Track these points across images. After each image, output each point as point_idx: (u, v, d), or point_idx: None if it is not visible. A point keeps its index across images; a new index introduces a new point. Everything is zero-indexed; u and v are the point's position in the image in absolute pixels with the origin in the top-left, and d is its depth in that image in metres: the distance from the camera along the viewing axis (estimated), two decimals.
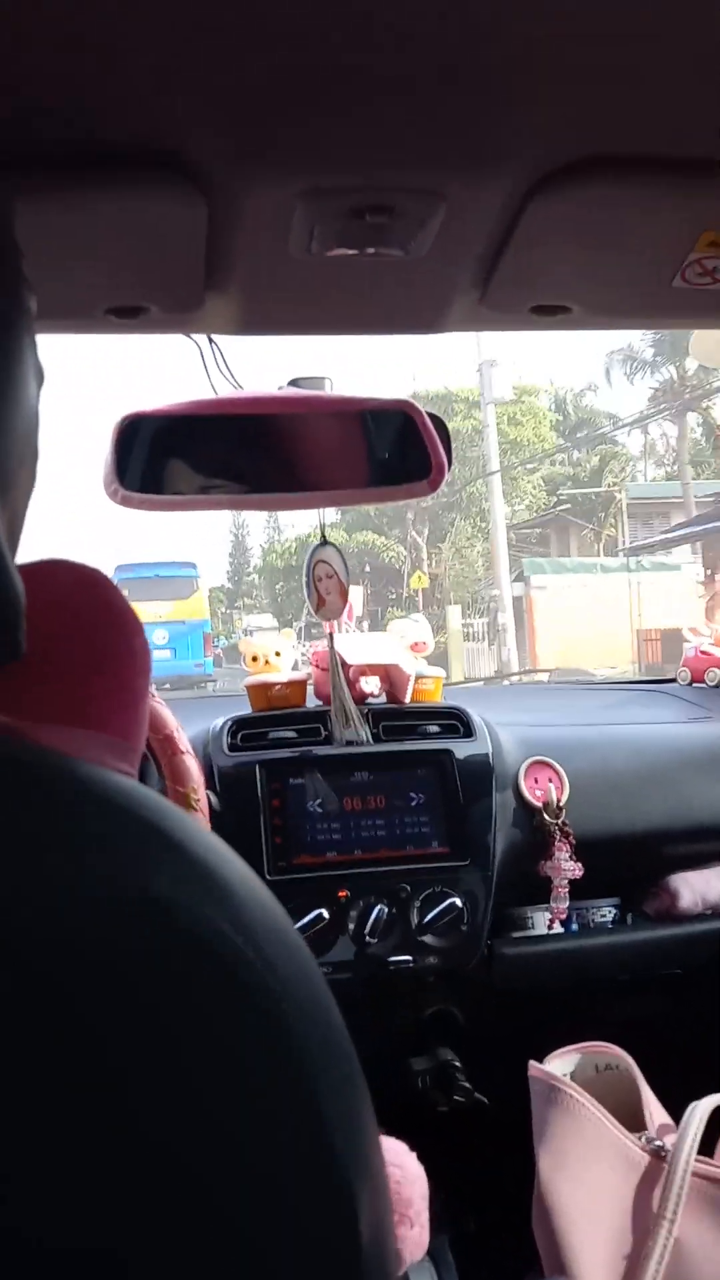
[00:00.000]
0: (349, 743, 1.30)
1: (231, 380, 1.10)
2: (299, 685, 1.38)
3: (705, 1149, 0.93)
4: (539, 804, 1.33)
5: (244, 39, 0.56)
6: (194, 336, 1.04)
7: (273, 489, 1.13)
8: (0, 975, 0.30)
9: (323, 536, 1.23)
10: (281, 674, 1.38)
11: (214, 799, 1.20)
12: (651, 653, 16.32)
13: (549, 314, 0.95)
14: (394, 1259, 0.37)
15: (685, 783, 1.42)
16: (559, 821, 1.32)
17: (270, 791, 1.26)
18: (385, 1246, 0.36)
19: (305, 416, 1.13)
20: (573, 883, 1.32)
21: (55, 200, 0.71)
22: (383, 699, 1.39)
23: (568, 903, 1.32)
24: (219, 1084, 0.32)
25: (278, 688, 1.36)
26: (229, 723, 1.32)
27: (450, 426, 1.14)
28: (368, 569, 24.28)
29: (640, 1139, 0.94)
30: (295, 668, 1.42)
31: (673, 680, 1.78)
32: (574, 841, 1.32)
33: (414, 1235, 1.02)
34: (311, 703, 1.39)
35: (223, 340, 1.06)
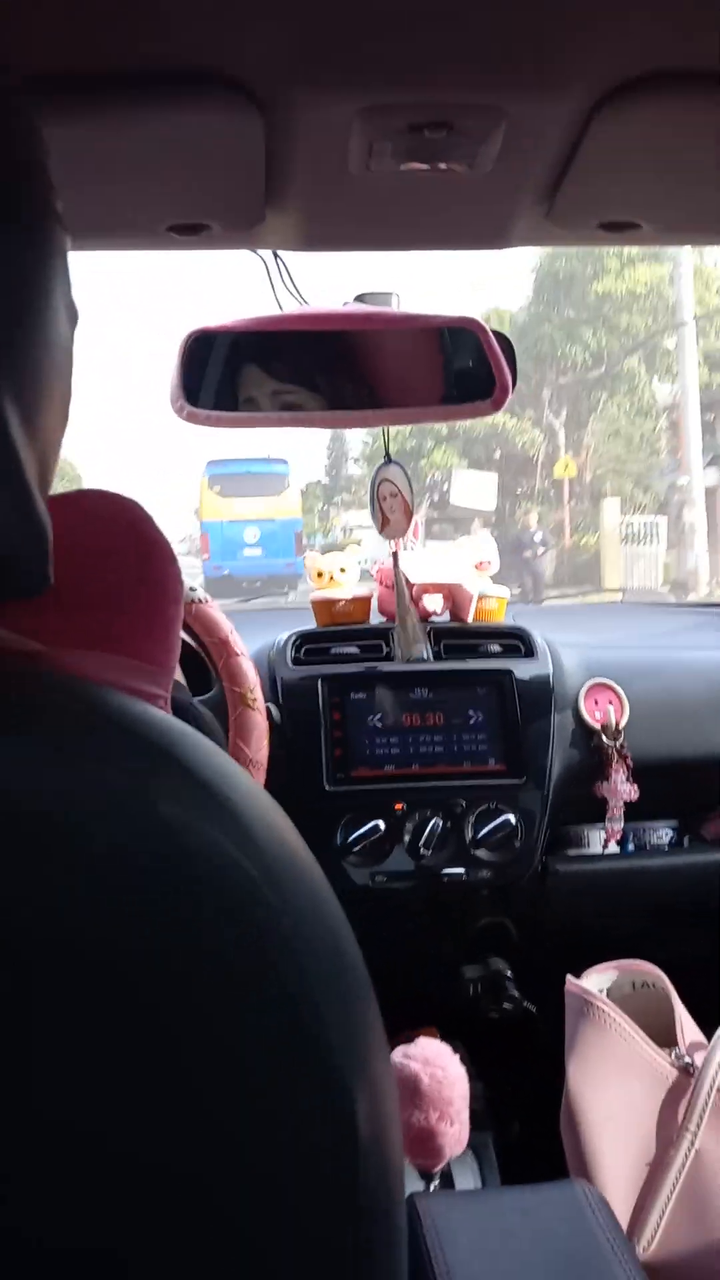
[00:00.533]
0: (410, 660, 1.32)
1: (297, 296, 1.10)
2: (363, 602, 1.40)
3: None
4: (597, 725, 1.33)
5: None
6: (259, 252, 1.04)
7: (336, 406, 1.13)
8: (5, 886, 0.32)
9: (387, 454, 1.23)
10: (346, 590, 1.40)
11: (275, 711, 1.24)
12: None
13: (618, 230, 0.93)
14: (396, 1160, 0.38)
15: None
16: (617, 744, 1.32)
17: (331, 705, 1.29)
18: (386, 1146, 0.37)
19: (370, 333, 1.12)
20: (630, 805, 1.34)
21: (111, 118, 0.71)
22: (445, 617, 1.40)
23: (622, 824, 1.34)
24: (214, 989, 0.33)
25: (341, 604, 1.38)
26: (293, 637, 1.35)
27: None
28: (497, 455, 20.80)
29: (670, 1055, 0.96)
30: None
31: None
32: (631, 764, 1.32)
33: (454, 1132, 1.08)
34: (375, 619, 1.41)
35: (288, 256, 1.05)
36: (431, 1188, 1.12)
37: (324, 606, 1.40)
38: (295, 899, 0.36)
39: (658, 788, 1.34)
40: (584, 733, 1.34)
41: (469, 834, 1.27)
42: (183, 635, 1.13)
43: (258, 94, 0.69)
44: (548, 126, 0.74)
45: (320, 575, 1.40)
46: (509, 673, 1.34)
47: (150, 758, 0.36)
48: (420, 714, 1.31)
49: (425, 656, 1.33)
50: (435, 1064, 1.09)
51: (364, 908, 1.27)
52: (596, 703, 1.35)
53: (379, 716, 1.30)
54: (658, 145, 0.77)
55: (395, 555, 1.29)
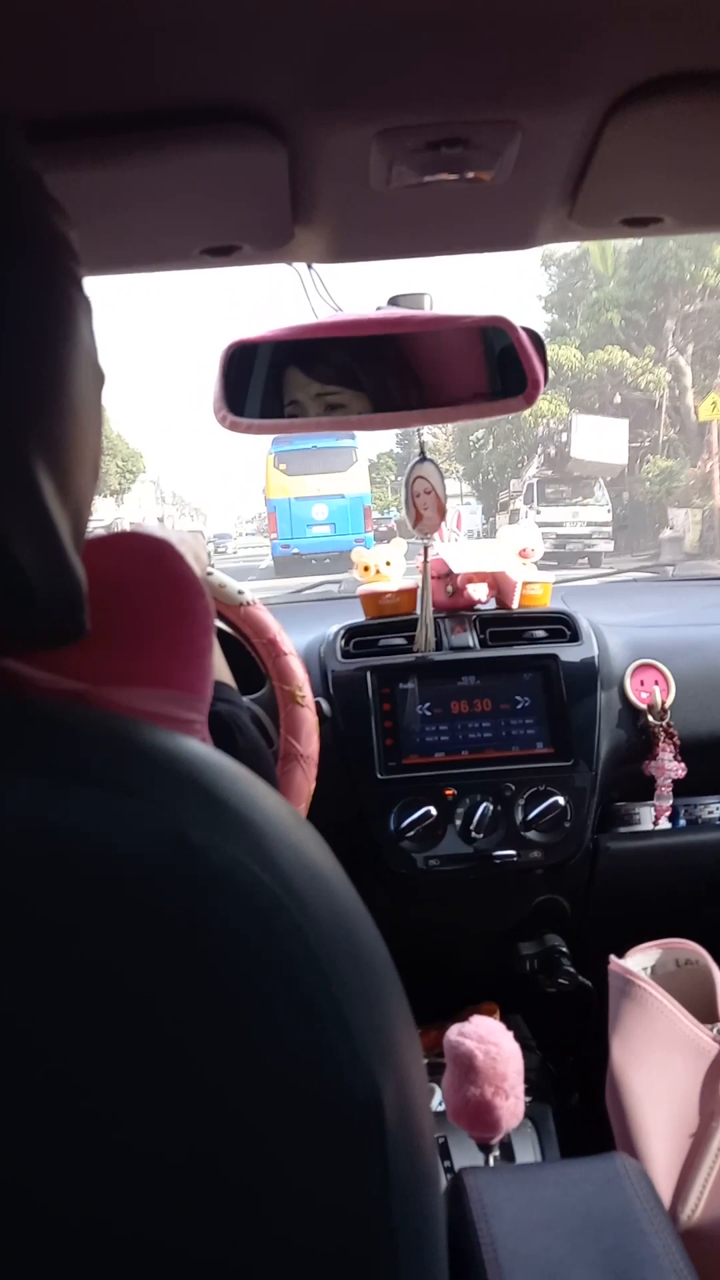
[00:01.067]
0: (455, 648, 1.36)
1: (331, 303, 1.13)
2: (409, 594, 1.43)
3: None
4: (644, 706, 1.35)
5: None
6: (293, 264, 1.07)
7: (381, 406, 1.16)
8: (40, 907, 0.36)
9: (421, 452, 1.26)
10: (392, 583, 1.43)
11: (325, 705, 1.28)
12: None
13: (641, 224, 0.94)
14: (428, 1145, 0.41)
15: None
16: (664, 723, 1.34)
17: (381, 696, 1.33)
18: (414, 1132, 0.40)
19: (404, 336, 1.15)
20: (680, 782, 1.36)
21: (139, 155, 0.75)
22: (491, 605, 1.43)
23: (671, 801, 1.36)
24: (240, 1000, 0.37)
25: (388, 596, 1.42)
26: (342, 630, 1.40)
27: None
28: (617, 400, 17.83)
29: (713, 1030, 0.99)
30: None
31: None
32: (678, 742, 1.34)
33: (509, 1105, 1.12)
34: None
35: (321, 266, 1.08)
36: (491, 1159, 1.16)
37: (371, 599, 1.44)
38: (317, 911, 0.39)
39: (705, 765, 1.36)
40: (630, 713, 1.37)
41: (519, 816, 1.30)
42: (233, 635, 1.18)
43: (278, 126, 0.72)
44: (563, 136, 0.75)
45: (366, 569, 1.44)
46: (554, 657, 1.36)
47: (181, 788, 0.40)
48: (468, 701, 1.34)
49: (472, 644, 1.36)
50: (489, 1040, 1.13)
51: (423, 890, 1.32)
52: (642, 683, 1.37)
53: (427, 705, 1.34)
54: (673, 146, 0.78)
55: (426, 550, 1.32)
